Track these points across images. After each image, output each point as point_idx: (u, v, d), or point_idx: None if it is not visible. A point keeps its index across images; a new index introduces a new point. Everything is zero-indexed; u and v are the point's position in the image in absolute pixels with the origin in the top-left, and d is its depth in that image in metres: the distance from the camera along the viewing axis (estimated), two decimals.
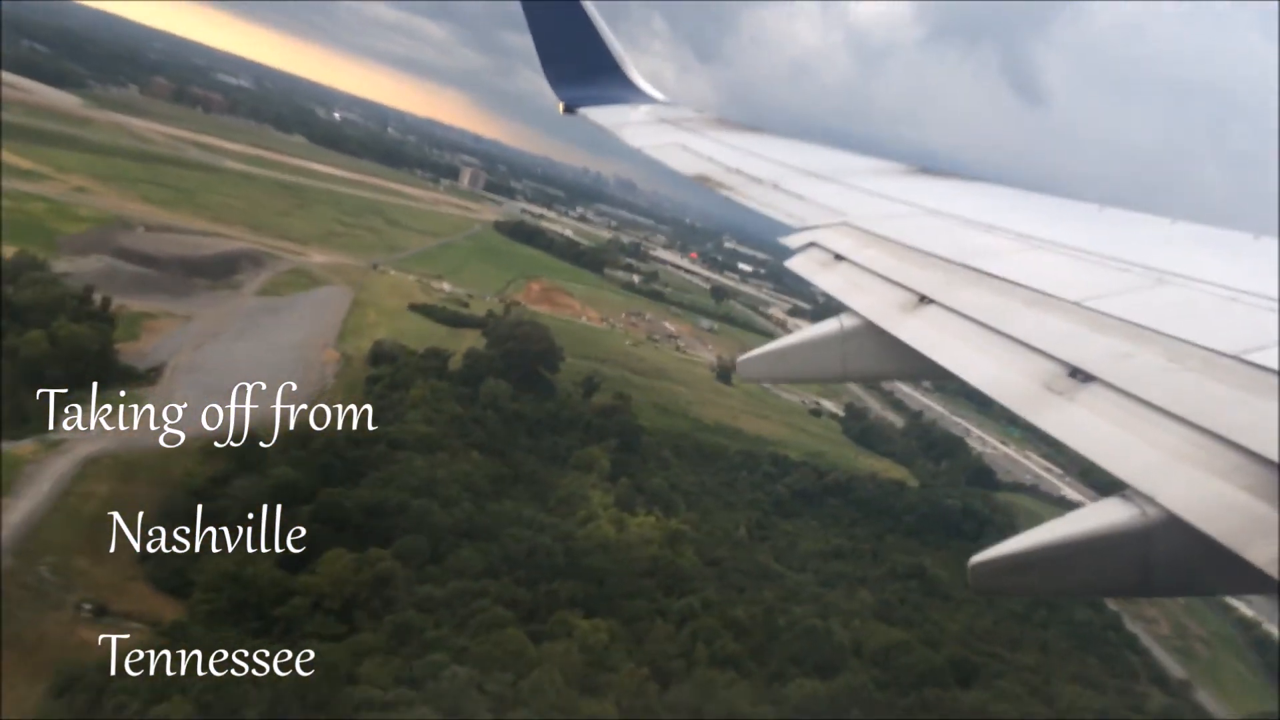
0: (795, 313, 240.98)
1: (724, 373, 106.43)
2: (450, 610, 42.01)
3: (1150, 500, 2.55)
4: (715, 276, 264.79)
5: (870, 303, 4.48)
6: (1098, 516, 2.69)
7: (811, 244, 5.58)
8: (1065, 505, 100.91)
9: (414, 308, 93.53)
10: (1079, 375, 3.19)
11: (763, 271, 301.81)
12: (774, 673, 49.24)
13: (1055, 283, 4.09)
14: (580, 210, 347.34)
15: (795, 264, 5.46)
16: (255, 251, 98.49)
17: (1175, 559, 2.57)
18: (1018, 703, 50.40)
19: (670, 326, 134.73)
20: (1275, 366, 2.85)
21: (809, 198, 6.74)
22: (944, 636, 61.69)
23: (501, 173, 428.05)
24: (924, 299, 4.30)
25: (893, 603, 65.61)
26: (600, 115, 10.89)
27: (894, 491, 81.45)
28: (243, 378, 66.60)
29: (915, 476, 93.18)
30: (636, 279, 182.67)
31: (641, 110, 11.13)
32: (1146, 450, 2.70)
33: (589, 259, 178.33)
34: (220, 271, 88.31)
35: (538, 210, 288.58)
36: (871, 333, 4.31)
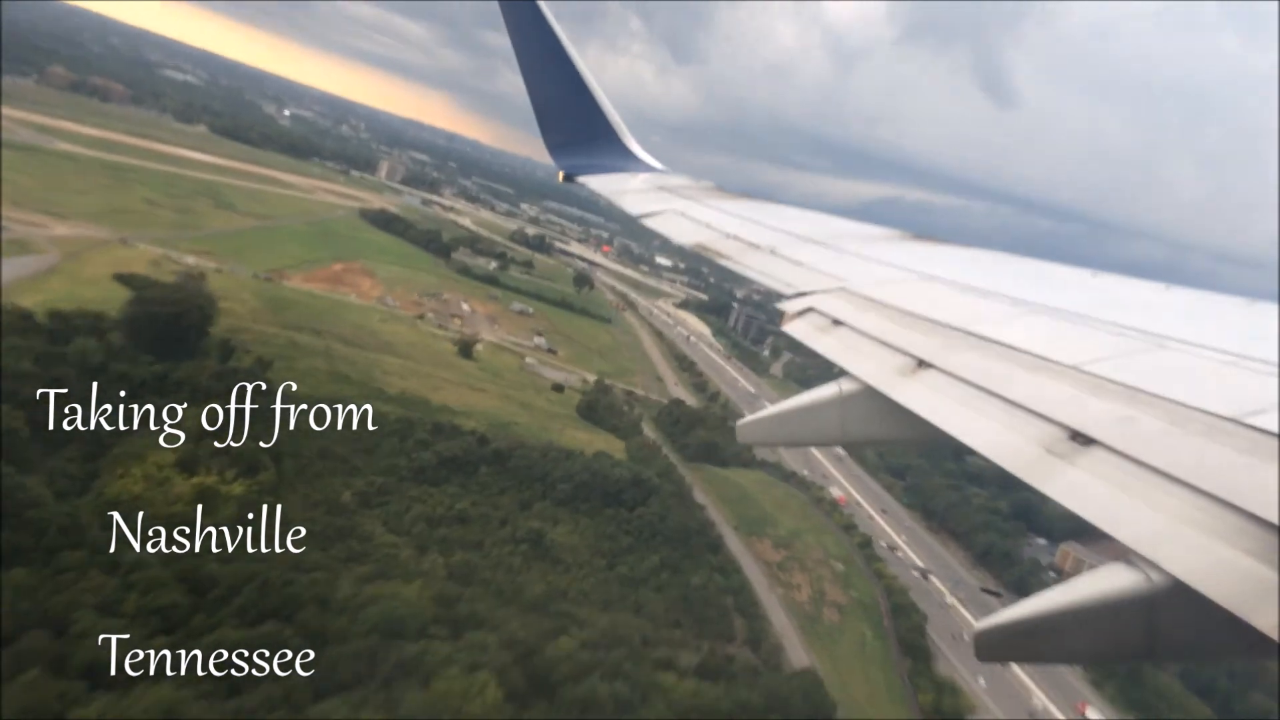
0: (684, 305, 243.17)
1: (465, 349, 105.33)
2: None
3: (1154, 565, 2.52)
4: (618, 268, 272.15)
5: (869, 367, 4.48)
6: (1101, 582, 2.63)
7: (810, 309, 5.57)
8: (798, 482, 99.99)
9: (119, 278, 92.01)
10: (1080, 439, 3.14)
11: (682, 266, 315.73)
12: (213, 625, 47.94)
13: (1053, 347, 4.08)
14: (524, 206, 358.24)
15: (794, 329, 5.41)
16: None
17: (1180, 625, 2.53)
18: (481, 652, 49.02)
19: (466, 308, 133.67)
20: (1276, 430, 2.82)
21: (806, 263, 6.79)
22: (508, 597, 60.63)
23: (450, 169, 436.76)
24: (922, 363, 4.28)
25: (476, 564, 64.38)
26: (599, 183, 11.20)
27: (558, 460, 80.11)
28: None
29: (627, 451, 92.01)
30: (493, 265, 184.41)
31: (640, 178, 11.41)
32: (1149, 514, 2.66)
33: (438, 246, 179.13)
34: None
35: (448, 203, 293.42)
36: (870, 397, 4.29)
